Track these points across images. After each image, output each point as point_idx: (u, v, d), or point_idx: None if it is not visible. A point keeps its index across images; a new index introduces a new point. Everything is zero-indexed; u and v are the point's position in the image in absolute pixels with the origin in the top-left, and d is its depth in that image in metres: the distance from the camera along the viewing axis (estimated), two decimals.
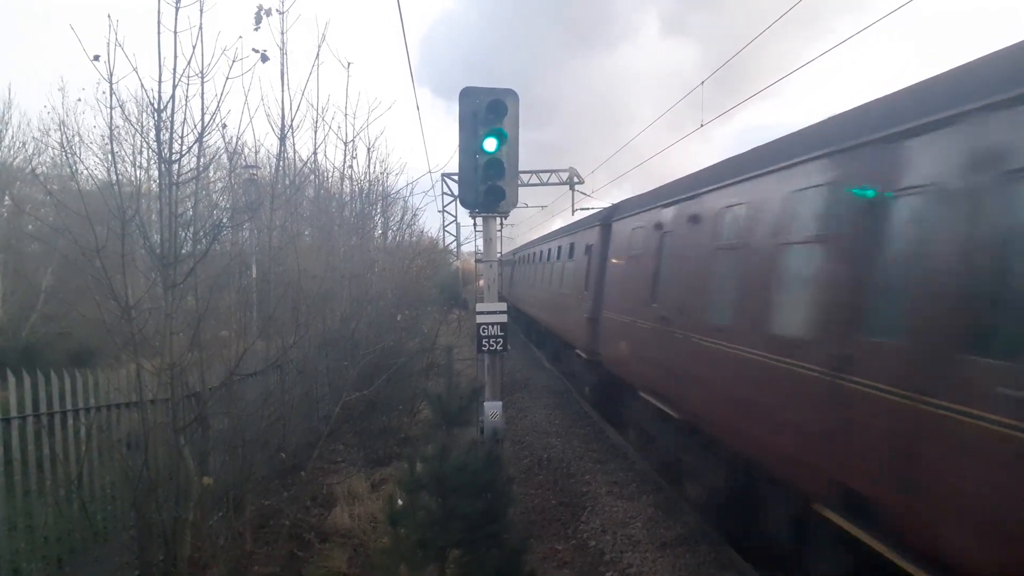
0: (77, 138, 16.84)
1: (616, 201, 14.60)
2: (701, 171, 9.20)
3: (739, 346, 6.69)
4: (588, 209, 21.23)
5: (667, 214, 9.53)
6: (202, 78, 6.11)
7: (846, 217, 5.24)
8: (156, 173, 7.06)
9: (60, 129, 20.08)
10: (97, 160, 17.51)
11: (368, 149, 16.09)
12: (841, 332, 5.08)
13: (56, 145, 21.47)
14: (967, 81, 4.32)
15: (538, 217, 42.91)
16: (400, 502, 5.80)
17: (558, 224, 25.49)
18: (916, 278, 4.41)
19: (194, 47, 5.92)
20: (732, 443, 7.04)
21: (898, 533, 4.35)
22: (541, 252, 22.36)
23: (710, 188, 8.14)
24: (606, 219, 13.51)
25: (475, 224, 28.15)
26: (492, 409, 8.42)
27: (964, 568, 3.82)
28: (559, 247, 18.71)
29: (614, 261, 12.45)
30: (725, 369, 7.03)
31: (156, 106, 5.96)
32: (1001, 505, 3.53)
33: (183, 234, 6.50)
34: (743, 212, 7.10)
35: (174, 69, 5.86)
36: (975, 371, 3.77)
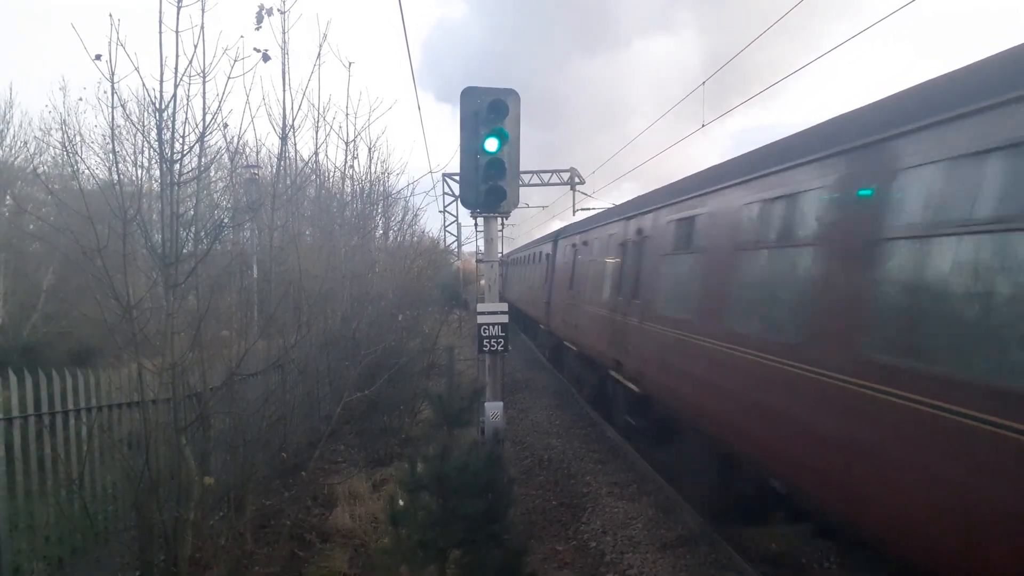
0: (78, 137, 16.82)
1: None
2: (590, 216, 16.93)
3: (594, 308, 13.35)
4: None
5: (577, 239, 16.18)
6: (203, 77, 6.12)
7: (618, 249, 12.01)
8: (157, 172, 7.09)
9: (61, 128, 20.11)
10: (98, 159, 17.53)
11: (369, 149, 16.11)
12: (615, 295, 11.78)
13: (57, 144, 21.54)
14: (638, 202, 11.63)
15: (539, 217, 43.01)
16: (401, 502, 5.80)
17: (557, 225, 27.84)
18: (626, 274, 11.11)
19: (196, 46, 5.94)
20: (590, 355, 13.97)
21: (624, 372, 10.80)
22: (523, 257, 29.23)
23: (590, 228, 15.11)
24: (556, 237, 19.90)
25: (476, 224, 28.37)
26: (493, 409, 8.41)
27: (634, 379, 10.14)
28: (533, 254, 25.37)
29: (557, 265, 18.73)
30: (589, 319, 13.79)
31: (157, 105, 5.96)
32: (639, 349, 9.93)
33: (184, 234, 6.49)
34: (598, 242, 13.96)
35: (176, 68, 5.87)
36: (634, 306, 10.33)
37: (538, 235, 33.03)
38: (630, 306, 10.55)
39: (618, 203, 15.67)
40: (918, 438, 4.28)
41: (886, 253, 4.77)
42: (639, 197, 11.98)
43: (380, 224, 18.43)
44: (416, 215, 21.75)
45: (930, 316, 4.35)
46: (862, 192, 5.14)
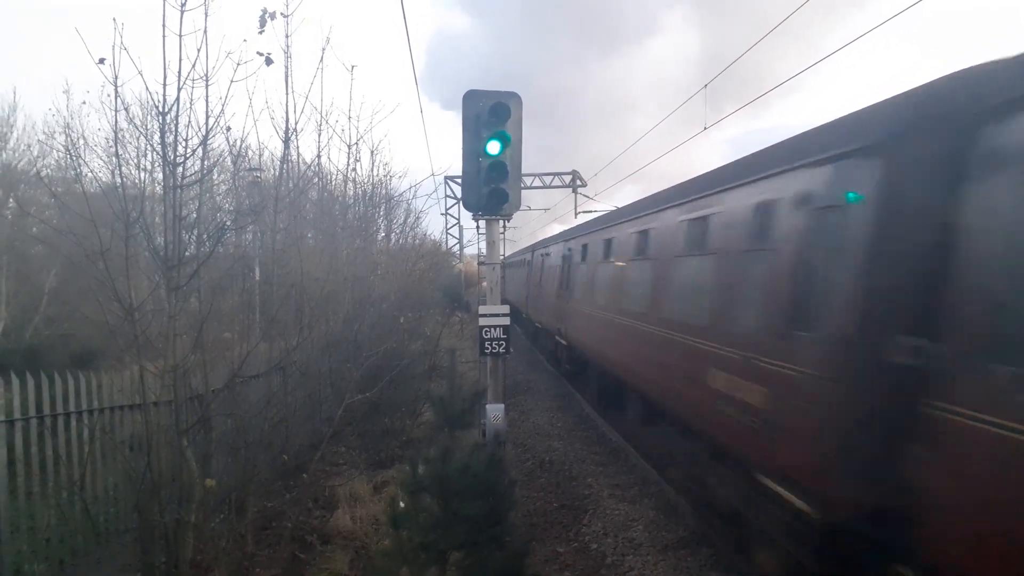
0: (82, 141, 16.88)
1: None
2: (551, 236, 24.84)
3: (549, 297, 19.69)
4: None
5: (543, 250, 22.91)
6: (206, 81, 6.13)
7: (561, 259, 18.54)
8: (160, 176, 7.09)
9: (65, 132, 20.16)
10: (101, 163, 17.59)
11: (372, 152, 16.20)
12: (559, 289, 18.10)
13: (61, 148, 21.55)
14: (569, 232, 19.86)
15: (541, 220, 43.06)
16: (402, 504, 5.79)
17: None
18: (564, 275, 17.85)
19: (198, 50, 5.95)
20: (547, 327, 20.63)
21: (561, 334, 17.58)
22: (515, 261, 35.84)
23: (551, 244, 21.51)
24: (533, 249, 27.13)
25: (478, 227, 28.56)
26: (494, 412, 8.42)
27: (565, 337, 17.04)
28: (521, 260, 32.58)
29: (533, 269, 25.18)
30: (547, 305, 20.29)
31: (161, 109, 5.98)
32: (567, 319, 16.53)
33: (187, 236, 6.51)
34: (554, 254, 20.16)
35: (179, 72, 5.88)
36: (565, 295, 17.11)
37: (540, 236, 33.61)
38: (564, 295, 17.38)
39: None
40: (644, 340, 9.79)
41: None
42: (571, 228, 20.26)
43: (382, 227, 18.48)
44: (418, 218, 21.76)
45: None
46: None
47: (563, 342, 17.49)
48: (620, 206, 13.86)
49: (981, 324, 4.05)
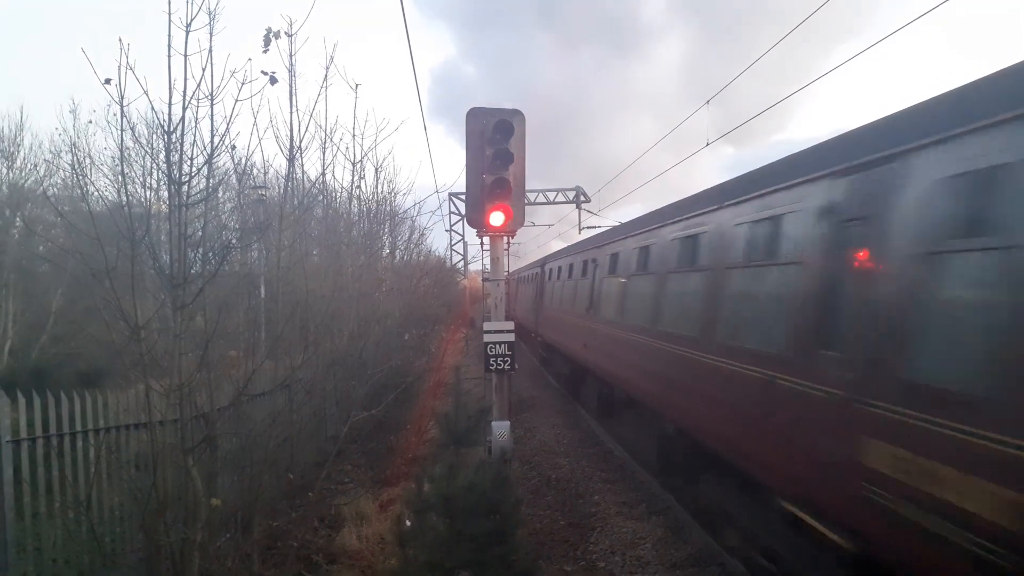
0: (88, 160, 16.98)
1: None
2: (524, 266, 38.92)
3: (525, 307, 30.63)
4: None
5: (516, 277, 36.65)
6: (211, 100, 6.14)
7: (516, 282, 36.00)
8: (166, 194, 7.11)
9: (71, 151, 20.30)
10: (107, 181, 17.71)
11: (376, 169, 16.20)
12: (511, 301, 25.79)
13: (67, 167, 21.67)
14: (518, 271, 40.24)
15: (545, 236, 43.34)
16: (408, 523, 5.76)
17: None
18: (512, 294, 30.87)
19: (204, 70, 5.97)
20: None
21: (515, 316, 27.62)
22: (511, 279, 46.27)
23: (524, 271, 35.91)
24: (519, 271, 38.25)
25: (482, 243, 28.77)
26: (500, 429, 8.38)
27: (514, 318, 18.83)
28: (515, 278, 39.62)
29: (517, 288, 34.49)
30: (529, 312, 29.18)
31: (166, 128, 6.00)
32: (519, 311, 31.98)
33: (192, 255, 6.52)
34: (516, 281, 36.68)
35: (184, 91, 5.90)
36: (515, 303, 32.55)
37: (547, 252, 35.00)
38: (516, 302, 31.79)
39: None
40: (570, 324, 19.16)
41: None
42: (519, 268, 38.68)
43: (387, 243, 18.52)
44: (423, 234, 21.80)
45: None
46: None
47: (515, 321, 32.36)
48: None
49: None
